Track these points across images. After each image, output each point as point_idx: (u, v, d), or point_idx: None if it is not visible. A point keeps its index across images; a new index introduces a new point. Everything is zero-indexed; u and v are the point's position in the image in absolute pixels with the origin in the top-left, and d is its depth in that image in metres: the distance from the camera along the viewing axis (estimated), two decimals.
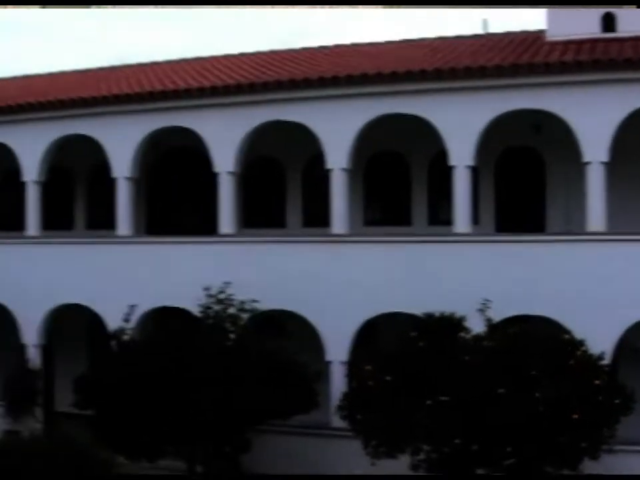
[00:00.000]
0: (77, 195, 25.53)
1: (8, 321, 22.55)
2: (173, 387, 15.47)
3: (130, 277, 20.90)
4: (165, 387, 15.49)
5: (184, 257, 20.66)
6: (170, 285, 20.33)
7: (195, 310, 18.11)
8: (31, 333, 22.16)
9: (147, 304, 20.00)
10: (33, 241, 22.44)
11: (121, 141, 21.20)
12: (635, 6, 19.37)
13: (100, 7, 44.71)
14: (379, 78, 18.68)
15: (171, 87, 21.11)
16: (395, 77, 18.53)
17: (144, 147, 21.44)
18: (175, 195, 24.36)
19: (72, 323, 23.58)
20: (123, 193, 21.34)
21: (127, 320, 17.55)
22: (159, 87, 21.43)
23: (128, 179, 21.30)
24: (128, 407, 15.76)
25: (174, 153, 23.64)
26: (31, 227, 22.44)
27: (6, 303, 22.49)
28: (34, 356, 22.27)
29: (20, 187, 22.75)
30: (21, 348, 22.41)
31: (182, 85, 21.25)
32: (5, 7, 18.87)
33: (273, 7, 41.42)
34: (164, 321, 18.38)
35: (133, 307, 17.87)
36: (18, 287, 22.19)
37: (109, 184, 21.79)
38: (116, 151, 21.30)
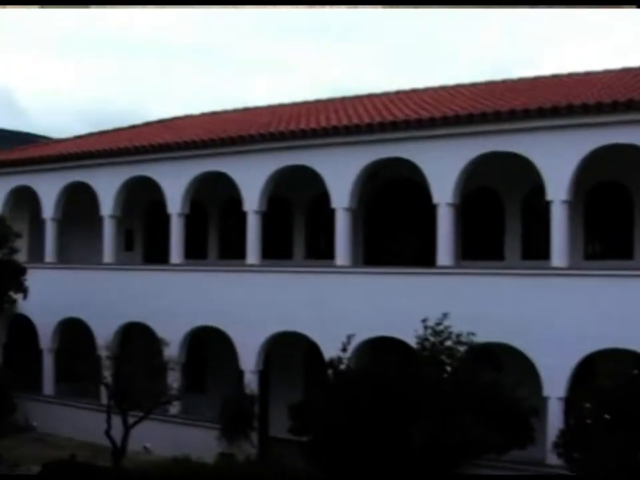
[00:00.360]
0: (295, 225, 27.03)
1: (228, 346, 24.29)
2: (388, 419, 15.98)
3: (347, 307, 21.89)
4: (380, 418, 15.98)
5: (401, 287, 21.46)
6: (386, 315, 21.16)
7: (411, 341, 18.50)
8: (249, 359, 23.71)
9: (363, 334, 20.63)
10: (253, 269, 23.92)
11: (339, 172, 22.30)
12: (635, 6, 19.04)
13: (100, 7, 46.50)
14: (599, 108, 18.85)
15: (389, 118, 21.89)
16: (616, 107, 18.66)
17: (362, 178, 22.52)
18: (392, 225, 25.28)
19: (289, 350, 24.94)
20: (341, 224, 22.43)
21: (343, 349, 17.92)
22: (377, 118, 22.26)
23: (346, 209, 22.34)
24: (343, 436, 16.36)
25: (391, 183, 24.61)
26: (251, 256, 23.96)
27: (226, 329, 24.22)
28: (251, 381, 23.74)
29: (241, 216, 24.61)
30: (239, 373, 24.04)
31: (400, 116, 21.99)
32: (5, 7, 20.49)
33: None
34: (380, 351, 19.15)
35: (350, 336, 18.16)
36: (237, 314, 23.79)
37: (327, 214, 23.09)
38: (335, 181, 22.43)
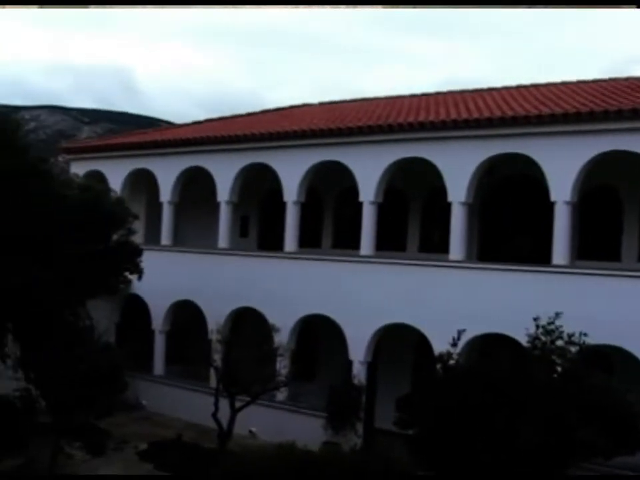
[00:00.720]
0: (410, 217, 27.49)
1: (338, 336, 24.95)
2: (496, 417, 16.08)
3: (459, 302, 22.28)
4: (488, 416, 16.13)
5: (514, 284, 21.72)
6: (498, 311, 21.47)
7: (522, 339, 18.58)
8: (358, 350, 24.31)
9: (473, 329, 20.86)
10: (367, 260, 24.45)
11: (457, 166, 22.66)
12: (635, 6, 18.48)
13: (101, 7, 46.76)
14: None
15: (509, 113, 22.10)
16: None
17: (480, 173, 22.87)
18: (508, 222, 25.55)
19: (398, 343, 25.53)
20: (457, 218, 22.81)
21: (454, 344, 18.01)
22: (497, 113, 22.50)
23: (463, 203, 22.74)
24: (449, 431, 16.55)
25: (509, 179, 24.88)
26: (365, 246, 24.55)
27: (336, 318, 24.87)
28: (359, 372, 24.36)
29: (356, 206, 25.07)
30: (348, 363, 24.65)
31: (520, 111, 22.16)
32: (5, 7, 20.94)
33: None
34: (490, 347, 19.39)
35: (461, 331, 18.18)
36: (349, 304, 24.46)
37: (443, 208, 23.44)
38: (452, 175, 22.78)
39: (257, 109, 35.26)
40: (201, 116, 36.21)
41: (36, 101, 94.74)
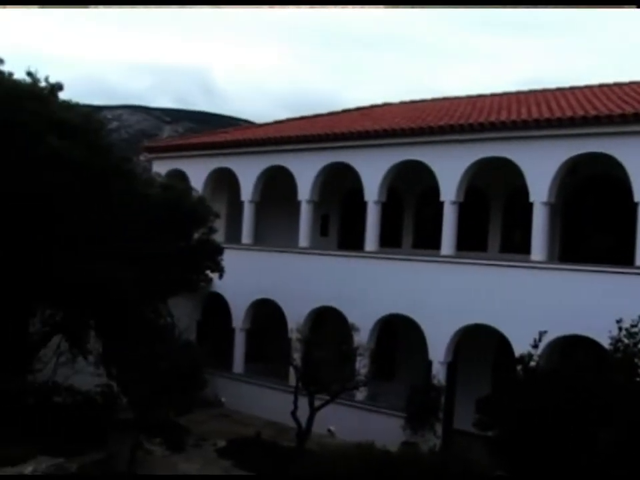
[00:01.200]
0: (492, 217, 27.33)
1: (418, 336, 24.89)
2: (578, 421, 15.97)
3: (540, 303, 22.12)
4: (570, 420, 15.97)
5: (596, 286, 21.45)
6: (580, 313, 21.25)
7: (604, 342, 18.22)
8: (438, 350, 24.28)
9: (555, 331, 20.70)
10: (447, 260, 24.44)
11: (539, 166, 22.49)
12: (635, 6, 17.77)
13: (102, 7, 46.44)
14: None
15: (592, 112, 21.84)
16: None
17: (562, 173, 22.65)
18: (590, 222, 25.28)
19: (478, 343, 25.43)
20: (539, 218, 22.64)
21: (535, 346, 17.79)
22: (579, 112, 22.26)
23: (545, 203, 22.56)
24: (530, 435, 16.37)
25: (591, 179, 24.61)
26: (445, 246, 24.52)
27: (416, 318, 24.85)
28: (439, 372, 24.33)
29: (437, 206, 25.13)
30: (428, 363, 24.63)
31: (603, 110, 21.91)
32: (5, 7, 20.95)
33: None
34: (571, 349, 19.21)
35: (542, 333, 17.97)
36: (429, 304, 24.45)
37: (525, 208, 23.31)
38: (534, 175, 22.64)
39: (337, 108, 35.41)
40: (281, 116, 36.63)
41: (118, 100, 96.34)
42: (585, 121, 21.63)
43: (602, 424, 16.23)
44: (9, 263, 20.00)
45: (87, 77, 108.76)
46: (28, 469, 17.66)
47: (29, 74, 20.66)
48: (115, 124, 78.84)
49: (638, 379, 16.73)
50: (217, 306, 30.59)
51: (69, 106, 20.80)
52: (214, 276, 26.46)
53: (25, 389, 22.29)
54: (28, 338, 22.64)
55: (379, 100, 37.27)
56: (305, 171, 28.18)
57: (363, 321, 24.97)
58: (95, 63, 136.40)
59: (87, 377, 22.51)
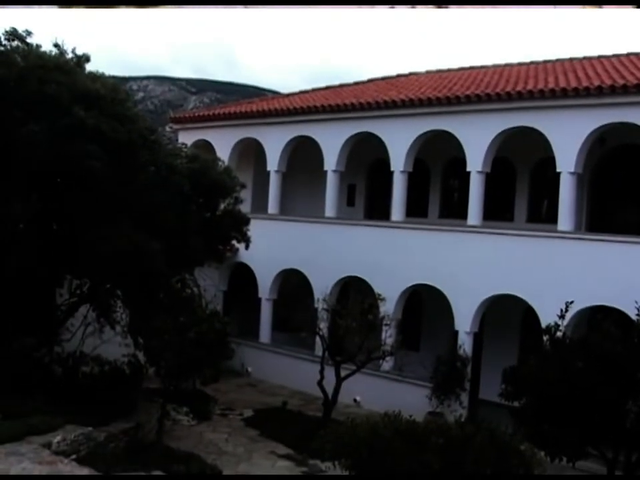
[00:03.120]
0: (518, 188, 27.22)
1: (444, 306, 24.92)
2: (602, 389, 15.93)
3: (567, 273, 22.05)
4: (593, 389, 15.98)
5: (624, 256, 21.34)
6: (607, 284, 21.18)
7: (632, 313, 18.26)
8: (464, 320, 24.27)
9: (582, 302, 20.79)
10: (474, 230, 24.35)
11: (567, 135, 22.30)
12: (635, 6, 17.36)
13: (104, 7, 45.93)
14: None
15: (620, 82, 21.60)
16: None
17: (590, 143, 22.46)
18: (618, 192, 25.14)
19: (505, 314, 25.47)
20: (566, 188, 22.45)
21: (561, 316, 17.81)
22: (607, 81, 22.01)
23: (572, 173, 22.36)
24: (557, 404, 16.50)
25: (620, 149, 24.43)
26: (472, 217, 24.39)
27: (443, 289, 24.84)
28: (465, 342, 24.36)
29: (464, 176, 25.07)
30: (454, 334, 24.66)
31: (632, 80, 21.62)
32: (5, 7, 20.82)
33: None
34: (598, 321, 19.08)
35: (569, 303, 17.95)
36: (456, 274, 24.43)
37: (552, 178, 23.20)
38: (562, 145, 22.44)
39: (362, 78, 35.14)
40: (304, 86, 36.52)
41: (143, 72, 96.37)
42: (613, 90, 21.38)
43: (629, 395, 16.27)
44: (36, 233, 20.12)
45: (108, 48, 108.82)
46: (56, 438, 17.79)
47: (56, 45, 20.67)
48: (140, 95, 78.98)
49: None
50: (244, 276, 30.69)
51: (95, 77, 20.79)
52: (240, 246, 26.49)
53: (52, 359, 22.49)
54: (55, 308, 22.81)
55: (404, 70, 36.89)
56: (331, 140, 28.10)
57: (389, 291, 24.98)
58: (114, 34, 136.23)
59: (114, 347, 22.68)
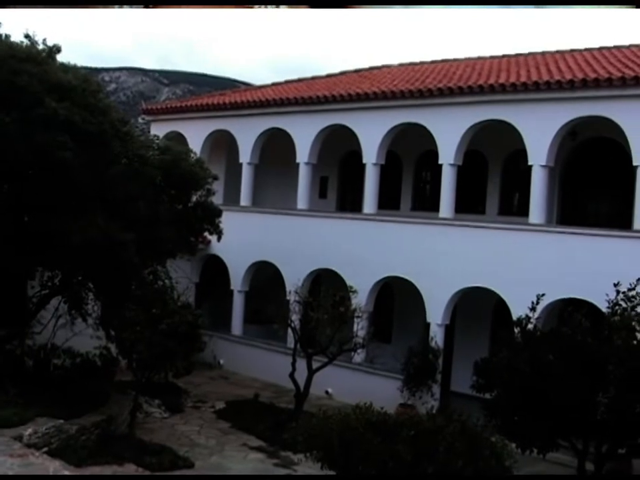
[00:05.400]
0: (490, 180, 27.24)
1: (416, 298, 24.89)
2: (572, 381, 16.02)
3: (538, 266, 22.08)
4: (564, 381, 16.05)
5: (595, 249, 21.37)
6: (578, 277, 21.22)
7: (602, 305, 18.34)
8: (436, 312, 24.26)
9: (553, 294, 20.69)
10: (446, 222, 24.36)
11: (538, 129, 22.33)
12: (634, 6, 17.68)
13: (102, 7, 45.90)
14: None
15: (591, 75, 21.65)
16: None
17: (561, 136, 22.51)
18: (589, 186, 25.20)
19: (477, 306, 25.57)
20: (538, 181, 22.48)
21: (532, 308, 17.91)
22: (579, 75, 22.07)
23: (544, 166, 22.39)
24: (528, 396, 16.54)
25: (591, 142, 24.50)
26: (444, 209, 24.44)
27: (415, 281, 24.82)
28: (436, 334, 24.32)
29: (436, 169, 25.08)
30: (425, 326, 24.66)
31: (603, 74, 21.69)
32: (5, 7, 20.89)
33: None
34: (568, 313, 19.29)
35: (540, 296, 18.07)
36: (427, 267, 24.40)
37: (524, 171, 23.31)
38: (533, 138, 22.47)
39: (335, 71, 35.10)
40: (277, 79, 36.49)
41: (115, 63, 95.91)
42: (585, 84, 21.48)
43: (600, 387, 16.38)
44: (7, 224, 20.00)
45: (76, 39, 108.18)
46: (27, 431, 17.74)
47: (27, 36, 20.55)
48: (112, 86, 78.64)
49: (635, 342, 16.79)
50: (216, 268, 30.61)
51: (67, 68, 20.68)
52: (212, 238, 26.46)
53: (23, 351, 22.38)
54: (27, 300, 22.69)
55: (376, 62, 36.80)
56: (304, 132, 28.07)
57: (361, 284, 25.03)
58: (79, 25, 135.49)
59: (86, 339, 22.61)
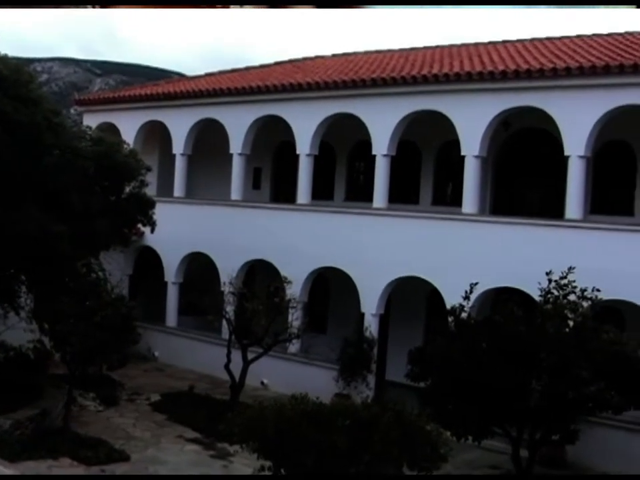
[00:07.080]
0: (423, 171, 27.27)
1: (350, 288, 24.92)
2: (506, 369, 16.27)
3: (471, 255, 22.22)
4: (498, 368, 16.30)
5: (527, 238, 21.58)
6: (511, 266, 21.41)
7: (535, 294, 18.55)
8: (370, 302, 24.32)
9: (486, 283, 20.92)
10: (379, 212, 24.41)
11: (472, 119, 22.47)
12: (634, 6, 18.30)
13: (102, 7, 46.17)
14: None
15: (524, 66, 21.83)
16: None
17: (494, 126, 22.67)
18: (522, 176, 25.42)
19: (411, 296, 25.63)
20: (470, 171, 22.63)
21: (466, 297, 18.12)
22: (511, 66, 22.24)
23: (477, 157, 22.56)
24: (461, 384, 16.78)
25: (523, 133, 24.70)
26: (377, 199, 24.47)
27: (349, 271, 24.83)
28: (371, 324, 24.38)
29: (369, 159, 25.15)
30: (360, 316, 24.68)
31: (535, 64, 21.90)
32: (5, 7, 20.91)
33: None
34: (502, 301, 19.50)
35: (473, 285, 18.29)
36: (361, 257, 24.41)
37: (457, 161, 23.36)
38: (466, 128, 22.61)
39: (268, 61, 34.95)
40: (211, 69, 36.23)
41: (47, 53, 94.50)
42: (517, 74, 21.64)
43: (533, 374, 16.56)
44: None
45: (7, 30, 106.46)
46: None
47: None
48: (45, 77, 77.42)
49: (567, 330, 17.08)
50: (150, 260, 30.32)
51: None
52: (146, 230, 26.19)
53: None
54: None
55: (310, 53, 36.76)
56: (237, 123, 27.88)
57: (296, 274, 24.95)
58: (9, 15, 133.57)
59: (19, 332, 22.22)
